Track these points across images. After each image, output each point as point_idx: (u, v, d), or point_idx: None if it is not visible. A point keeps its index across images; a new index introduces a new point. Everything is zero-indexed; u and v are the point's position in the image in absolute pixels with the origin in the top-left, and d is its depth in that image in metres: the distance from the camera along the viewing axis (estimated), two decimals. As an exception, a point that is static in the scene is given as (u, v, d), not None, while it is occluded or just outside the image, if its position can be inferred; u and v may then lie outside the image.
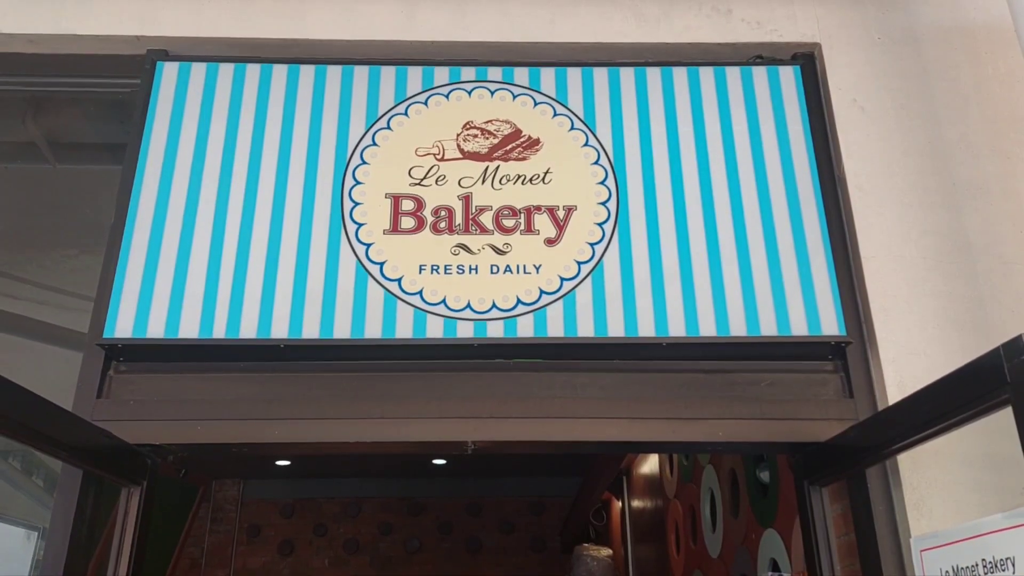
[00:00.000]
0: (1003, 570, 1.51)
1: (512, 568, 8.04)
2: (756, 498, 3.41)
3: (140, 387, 2.29)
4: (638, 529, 6.29)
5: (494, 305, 2.33)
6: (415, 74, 2.64)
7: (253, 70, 2.63)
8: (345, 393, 2.31)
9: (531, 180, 2.47)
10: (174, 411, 2.25)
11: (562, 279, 2.36)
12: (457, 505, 8.26)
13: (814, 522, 2.23)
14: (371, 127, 2.55)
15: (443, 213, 2.43)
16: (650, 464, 5.74)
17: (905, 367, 2.22)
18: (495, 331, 2.31)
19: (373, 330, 2.30)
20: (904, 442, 1.84)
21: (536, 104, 2.59)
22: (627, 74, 2.64)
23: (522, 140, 2.53)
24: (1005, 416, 1.62)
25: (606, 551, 6.88)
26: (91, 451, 2.05)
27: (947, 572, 1.68)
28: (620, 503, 6.75)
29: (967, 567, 1.62)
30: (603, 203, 2.45)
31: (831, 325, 2.29)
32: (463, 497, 8.25)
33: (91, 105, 3.12)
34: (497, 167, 2.48)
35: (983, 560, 1.57)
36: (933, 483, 2.07)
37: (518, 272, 2.37)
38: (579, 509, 7.31)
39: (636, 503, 6.36)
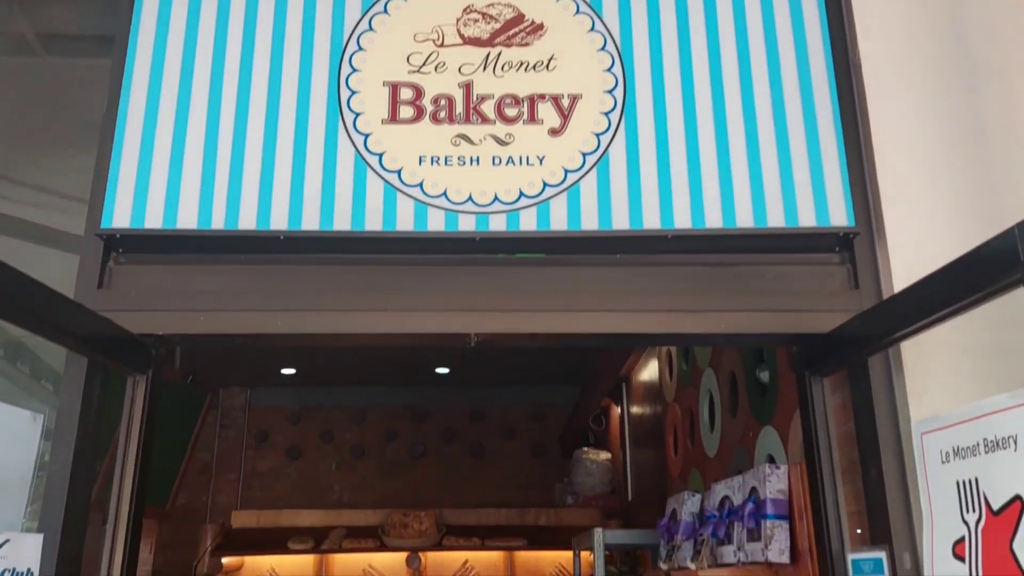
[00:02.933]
0: (1005, 448, 1.52)
1: (513, 472, 8.25)
2: (755, 397, 3.45)
3: (141, 278, 2.27)
4: (636, 434, 6.41)
5: (496, 198, 2.29)
6: (413, -45, 2.52)
7: (244, -48, 2.51)
8: (347, 286, 2.29)
9: (534, 67, 2.39)
10: (176, 302, 2.24)
11: (566, 171, 2.31)
12: (460, 413, 8.41)
13: (814, 412, 2.24)
14: (367, 11, 2.45)
15: (443, 102, 2.36)
16: (649, 371, 5.80)
17: (913, 258, 2.18)
18: (497, 224, 2.28)
19: (374, 223, 2.27)
20: (911, 327, 1.83)
21: (540, -13, 2.48)
22: (635, -45, 2.52)
23: (525, 25, 2.43)
24: (1012, 303, 1.60)
25: (604, 455, 7.04)
26: (95, 339, 2.05)
27: (947, 453, 1.69)
28: (619, 409, 6.87)
29: (968, 447, 1.63)
30: (609, 91, 2.38)
31: (840, 216, 2.25)
32: (466, 405, 8.39)
33: (78, -7, 3.01)
34: (499, 53, 2.40)
35: (984, 439, 1.58)
36: (935, 373, 2.07)
37: (521, 164, 2.31)
38: (579, 415, 7.45)
39: (635, 409, 6.47)
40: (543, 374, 7.81)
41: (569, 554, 5.90)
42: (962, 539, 1.61)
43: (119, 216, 2.24)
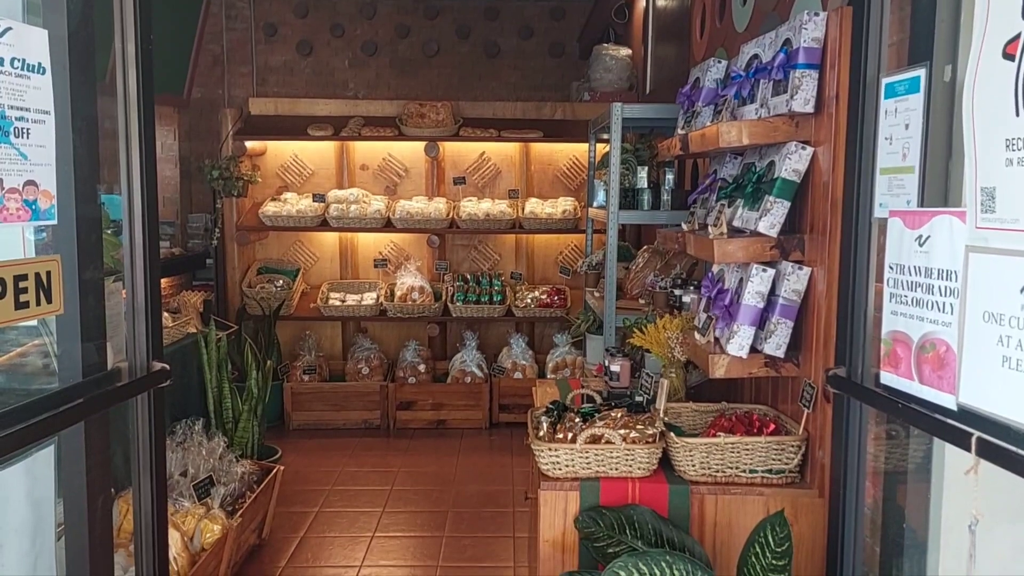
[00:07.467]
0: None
1: (529, 72, 8.10)
2: (801, -47, 3.15)
3: None
4: (660, 26, 6.12)
5: None
6: None
7: None
8: None
9: None
10: None
11: None
12: (474, 9, 8.00)
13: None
14: None
15: None
16: (682, -47, 5.32)
17: None
18: None
19: None
20: None
21: None
22: None
23: None
24: None
25: (625, 50, 6.81)
26: None
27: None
28: (644, 1, 6.47)
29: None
30: None
31: None
32: (480, 1, 7.94)
33: None
34: None
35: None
36: None
37: None
38: (600, 10, 7.05)
39: (661, 1, 6.08)
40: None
41: (583, 147, 6.01)
42: (1016, 36, 1.51)
43: None
